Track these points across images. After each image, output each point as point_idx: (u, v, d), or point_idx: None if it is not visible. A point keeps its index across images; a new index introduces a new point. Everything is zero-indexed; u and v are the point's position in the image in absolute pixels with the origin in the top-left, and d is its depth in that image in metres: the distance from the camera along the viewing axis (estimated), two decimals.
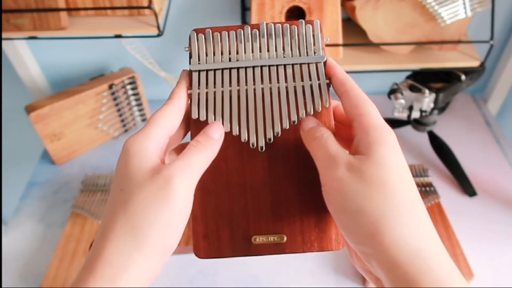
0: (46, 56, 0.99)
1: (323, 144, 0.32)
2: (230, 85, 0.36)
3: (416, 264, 0.27)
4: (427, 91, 0.77)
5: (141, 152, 0.31)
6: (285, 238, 0.34)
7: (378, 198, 0.29)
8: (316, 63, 0.36)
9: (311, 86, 0.35)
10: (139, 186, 0.30)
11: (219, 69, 0.37)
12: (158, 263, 0.30)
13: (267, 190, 0.34)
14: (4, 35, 0.74)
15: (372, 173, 0.29)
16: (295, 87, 0.36)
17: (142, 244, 0.28)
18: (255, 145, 0.35)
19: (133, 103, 0.98)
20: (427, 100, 0.78)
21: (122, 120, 0.98)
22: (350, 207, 0.29)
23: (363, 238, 0.29)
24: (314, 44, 0.37)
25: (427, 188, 0.83)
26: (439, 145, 0.89)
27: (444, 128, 0.95)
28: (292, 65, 0.36)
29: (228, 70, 0.37)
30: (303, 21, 0.37)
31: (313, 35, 0.37)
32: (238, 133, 0.35)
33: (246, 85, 0.36)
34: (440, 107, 0.82)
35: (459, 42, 0.77)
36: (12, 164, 1.25)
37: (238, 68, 0.37)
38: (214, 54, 0.37)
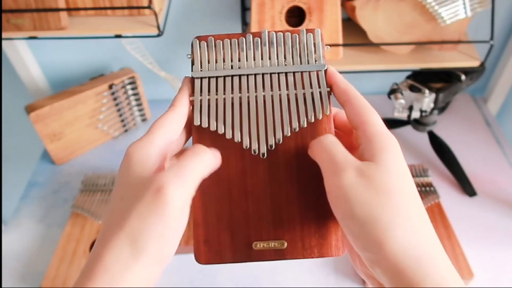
0: (46, 56, 0.99)
1: (330, 150, 0.32)
2: (232, 92, 0.36)
3: (419, 270, 0.28)
4: (427, 91, 0.77)
5: (143, 159, 0.31)
6: (285, 244, 0.34)
7: (386, 205, 0.29)
8: (317, 71, 0.37)
9: (312, 93, 0.36)
10: (136, 196, 0.30)
11: (221, 76, 0.37)
12: (155, 271, 0.30)
13: (268, 196, 0.35)
14: (4, 35, 0.74)
15: (380, 180, 0.29)
16: (296, 94, 0.36)
17: (139, 253, 0.29)
18: (257, 151, 0.35)
19: (133, 103, 0.98)
20: (427, 100, 0.78)
21: (122, 120, 0.98)
22: (358, 213, 0.29)
23: (370, 244, 0.29)
24: (315, 52, 0.37)
25: (427, 188, 0.83)
26: (439, 145, 0.89)
27: (444, 128, 0.95)
28: (293, 73, 0.37)
29: (230, 78, 0.37)
30: (304, 29, 0.37)
31: (314, 44, 0.37)
32: (240, 140, 0.35)
33: (248, 92, 0.36)
34: (440, 107, 0.82)
35: (459, 42, 0.77)
36: (12, 164, 1.25)
37: (239, 76, 0.37)
38: (216, 62, 0.37)
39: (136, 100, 0.98)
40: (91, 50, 0.99)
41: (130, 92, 0.95)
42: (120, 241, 0.29)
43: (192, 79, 0.37)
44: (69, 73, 1.03)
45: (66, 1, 0.74)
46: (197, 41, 0.38)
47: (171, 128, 0.33)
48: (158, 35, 0.73)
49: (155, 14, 0.71)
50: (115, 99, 0.94)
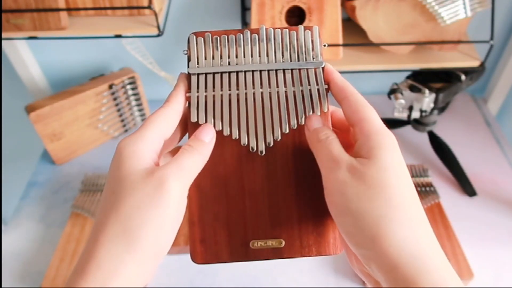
0: (46, 56, 0.99)
1: (327, 147, 0.32)
2: (230, 89, 0.36)
3: (415, 266, 0.27)
4: (427, 91, 0.77)
5: (134, 154, 0.31)
6: (283, 243, 0.34)
7: (379, 200, 0.29)
8: (315, 69, 0.36)
9: (310, 91, 0.36)
10: (131, 188, 0.29)
11: (218, 72, 0.36)
12: (150, 266, 0.29)
13: (266, 194, 0.34)
14: (4, 35, 0.74)
15: (373, 175, 0.29)
16: (294, 92, 0.36)
17: (134, 247, 0.28)
18: (255, 149, 0.35)
19: (133, 103, 0.98)
20: (427, 100, 0.78)
21: (122, 120, 0.98)
22: (352, 209, 0.29)
23: (364, 240, 0.29)
24: (312, 49, 0.37)
25: (427, 188, 0.82)
26: (439, 145, 0.89)
27: (444, 128, 0.95)
28: (291, 70, 0.36)
29: (227, 74, 0.36)
30: (302, 27, 0.37)
31: (312, 41, 0.37)
32: (237, 137, 0.35)
33: (246, 89, 0.36)
34: (440, 107, 0.82)
35: (459, 42, 0.77)
36: (12, 164, 1.25)
37: (237, 72, 0.36)
38: (213, 58, 0.37)
39: (136, 100, 0.98)
40: (91, 50, 0.99)
41: (130, 92, 0.95)
42: (113, 235, 0.28)
43: (189, 75, 0.37)
44: (69, 73, 1.03)
45: (66, 1, 0.74)
46: (194, 37, 0.37)
47: (165, 124, 0.33)
48: (158, 35, 0.73)
49: (155, 14, 0.71)
50: (115, 99, 0.94)
